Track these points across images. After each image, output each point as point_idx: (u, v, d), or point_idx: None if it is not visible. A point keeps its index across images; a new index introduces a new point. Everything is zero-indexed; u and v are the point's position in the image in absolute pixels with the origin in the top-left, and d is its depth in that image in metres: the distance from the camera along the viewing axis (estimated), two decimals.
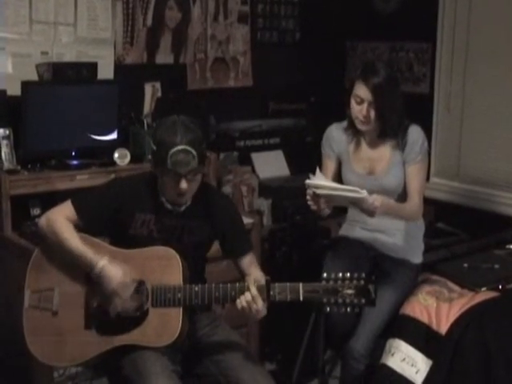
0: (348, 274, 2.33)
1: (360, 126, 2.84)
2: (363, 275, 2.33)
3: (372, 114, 2.78)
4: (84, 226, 2.50)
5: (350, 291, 2.31)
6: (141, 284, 2.40)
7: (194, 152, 2.36)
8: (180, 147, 2.35)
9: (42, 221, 2.52)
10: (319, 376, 3.18)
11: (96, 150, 3.47)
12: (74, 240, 2.43)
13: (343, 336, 2.96)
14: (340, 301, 2.32)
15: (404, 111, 2.85)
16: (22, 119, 3.23)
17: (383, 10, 4.34)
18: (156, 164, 2.44)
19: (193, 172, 2.39)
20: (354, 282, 2.32)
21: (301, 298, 2.33)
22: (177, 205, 2.51)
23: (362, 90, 2.76)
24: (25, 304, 2.48)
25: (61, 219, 2.47)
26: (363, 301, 2.32)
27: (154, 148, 2.41)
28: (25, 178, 3.19)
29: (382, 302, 2.82)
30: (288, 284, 2.35)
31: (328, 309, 2.34)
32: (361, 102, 2.78)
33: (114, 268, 2.39)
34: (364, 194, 2.57)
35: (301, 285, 2.34)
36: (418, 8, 4.13)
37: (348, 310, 2.33)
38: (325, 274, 2.34)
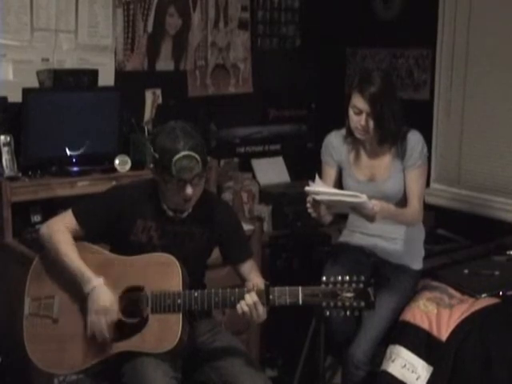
0: (347, 278, 2.32)
1: (359, 136, 2.84)
2: (362, 278, 2.33)
3: (371, 124, 2.77)
4: (85, 234, 2.51)
5: (349, 294, 2.30)
6: (140, 290, 2.41)
7: (197, 157, 2.36)
8: (183, 153, 2.34)
9: (43, 230, 2.52)
10: (320, 382, 3.17)
11: (97, 156, 3.47)
12: (71, 255, 2.43)
13: (344, 342, 2.95)
14: (339, 304, 2.31)
15: (402, 118, 2.84)
16: (23, 126, 3.24)
17: (383, 16, 4.34)
18: (159, 172, 2.42)
19: (197, 177, 2.39)
20: (353, 285, 2.31)
21: (300, 302, 2.33)
22: (179, 211, 2.51)
23: (359, 101, 2.76)
24: (25, 312, 2.48)
25: (62, 229, 2.47)
26: (362, 304, 2.31)
27: (156, 156, 2.40)
28: (26, 185, 3.20)
29: (383, 308, 2.82)
30: (287, 288, 2.34)
31: (327, 312, 2.34)
32: (359, 112, 2.78)
33: (105, 292, 2.37)
34: (364, 198, 2.58)
35: (300, 288, 2.33)
36: (418, 14, 4.13)
37: (347, 313, 2.32)
38: (324, 278, 2.34)
